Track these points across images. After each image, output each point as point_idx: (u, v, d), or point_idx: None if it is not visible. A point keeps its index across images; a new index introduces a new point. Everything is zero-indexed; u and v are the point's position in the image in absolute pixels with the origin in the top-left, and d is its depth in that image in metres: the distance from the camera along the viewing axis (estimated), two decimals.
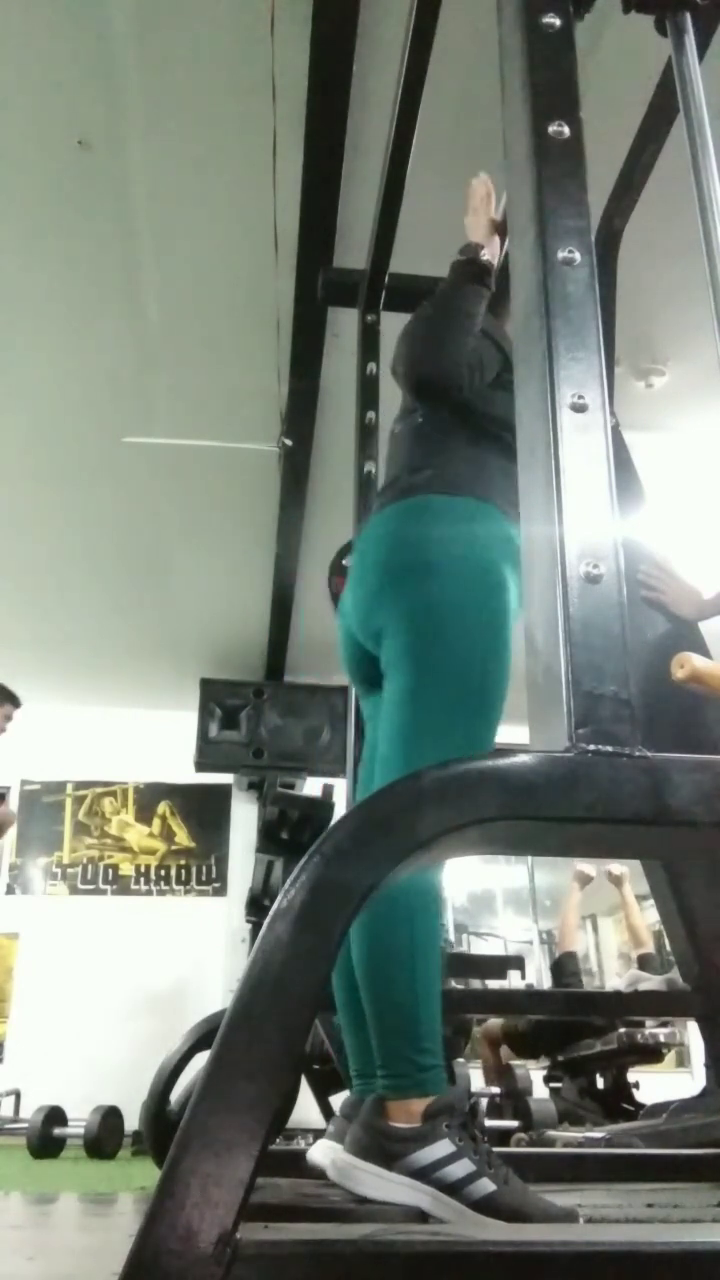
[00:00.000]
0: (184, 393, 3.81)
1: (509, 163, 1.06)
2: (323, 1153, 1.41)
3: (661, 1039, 3.89)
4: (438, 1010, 1.26)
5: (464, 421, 1.62)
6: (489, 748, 1.36)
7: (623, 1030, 3.90)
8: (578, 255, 0.94)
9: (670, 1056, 4.93)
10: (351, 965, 1.37)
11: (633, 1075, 4.26)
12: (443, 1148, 1.14)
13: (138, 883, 6.46)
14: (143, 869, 6.50)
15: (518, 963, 3.42)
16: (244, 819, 6.44)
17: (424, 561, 1.46)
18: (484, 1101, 4.09)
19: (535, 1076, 4.24)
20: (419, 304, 2.68)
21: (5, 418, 3.96)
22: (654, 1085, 4.28)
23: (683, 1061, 5.75)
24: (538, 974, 6.10)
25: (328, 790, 4.90)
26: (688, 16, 1.23)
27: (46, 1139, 3.53)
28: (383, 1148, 1.16)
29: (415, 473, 1.60)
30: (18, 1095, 4.91)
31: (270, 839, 4.73)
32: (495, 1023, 4.60)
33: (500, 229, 1.69)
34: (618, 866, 5.32)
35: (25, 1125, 3.75)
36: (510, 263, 1.03)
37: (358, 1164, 1.17)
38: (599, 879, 5.41)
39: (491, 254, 1.68)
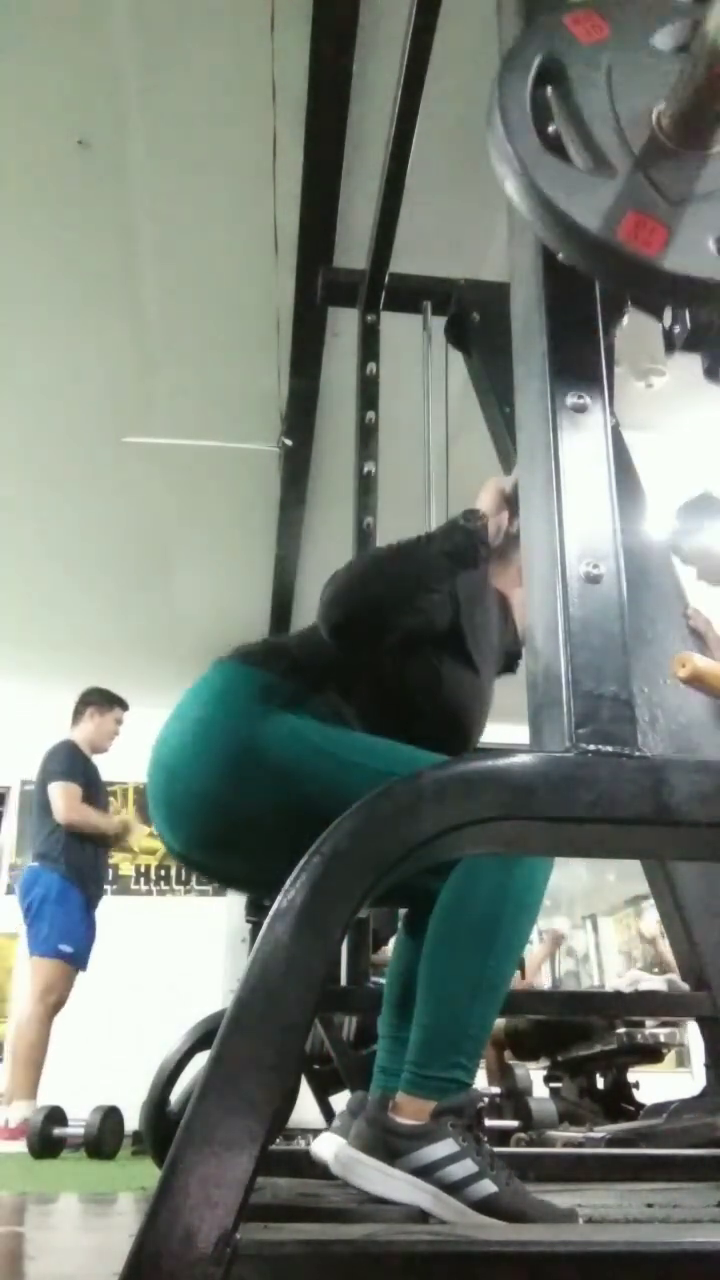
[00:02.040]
0: (184, 393, 3.82)
1: None
2: (326, 1147, 1.41)
3: (661, 1039, 3.89)
4: (489, 1028, 1.25)
5: (355, 668, 1.45)
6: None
7: (623, 1030, 3.90)
8: None
9: (670, 1056, 4.93)
10: (414, 961, 1.35)
11: (633, 1075, 4.26)
12: (446, 1147, 1.14)
13: (138, 883, 6.46)
14: (143, 869, 6.50)
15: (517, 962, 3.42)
16: None
17: (227, 804, 1.32)
18: (484, 1101, 4.09)
19: (535, 1076, 4.24)
20: (419, 304, 2.69)
21: (5, 418, 3.96)
22: (654, 1085, 4.28)
23: (683, 1061, 5.75)
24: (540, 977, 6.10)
25: None
26: None
27: (46, 1139, 3.52)
28: (387, 1144, 1.16)
29: (261, 647, 1.50)
30: None
31: None
32: (499, 1023, 4.60)
33: (509, 500, 1.54)
34: (649, 929, 5.26)
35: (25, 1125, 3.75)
36: (510, 263, 1.03)
37: (361, 1158, 1.17)
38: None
39: (497, 525, 1.52)
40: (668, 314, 0.97)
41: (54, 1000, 4.10)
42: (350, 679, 1.43)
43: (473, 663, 1.50)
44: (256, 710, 1.35)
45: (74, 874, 4.25)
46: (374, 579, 1.46)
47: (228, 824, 1.34)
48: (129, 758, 5.75)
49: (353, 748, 1.32)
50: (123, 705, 4.68)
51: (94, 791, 4.45)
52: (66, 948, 4.13)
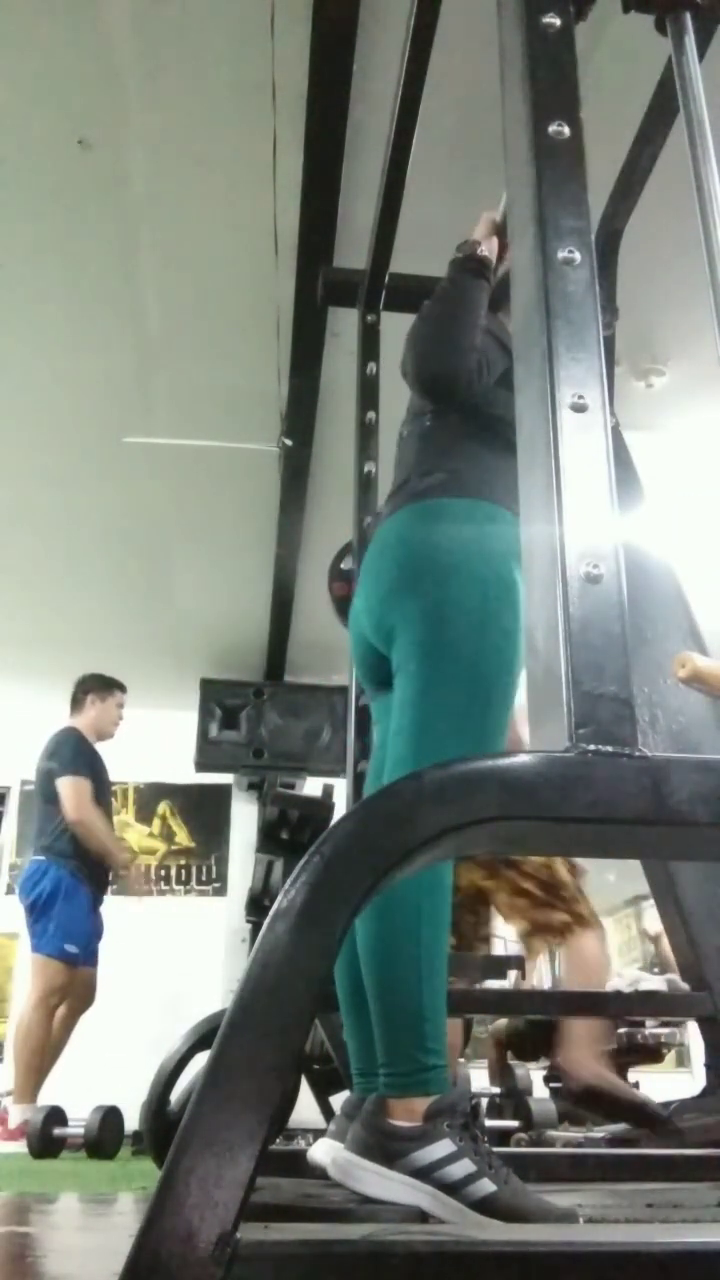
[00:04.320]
0: (184, 393, 3.82)
1: (509, 163, 1.06)
2: (324, 1151, 1.41)
3: (661, 1039, 3.89)
4: (443, 1009, 1.26)
5: (472, 423, 1.62)
6: (498, 746, 1.37)
7: (623, 1030, 3.90)
8: (578, 255, 0.94)
9: (670, 1056, 4.93)
10: (356, 963, 1.37)
11: (633, 1075, 4.26)
12: (443, 1147, 1.14)
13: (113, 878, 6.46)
14: (142, 869, 6.50)
15: (518, 963, 3.42)
16: (244, 819, 6.44)
17: (439, 564, 1.48)
18: (484, 1101, 4.09)
19: (535, 1076, 4.24)
20: (419, 304, 2.69)
21: (5, 418, 3.96)
22: (654, 1085, 4.28)
23: (683, 1061, 5.75)
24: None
25: (328, 790, 4.89)
26: (687, 16, 1.21)
27: (46, 1139, 3.52)
28: (384, 1146, 1.16)
29: (425, 476, 1.61)
30: None
31: (270, 839, 4.73)
32: (502, 1023, 4.60)
33: (499, 228, 1.70)
34: (654, 926, 5.29)
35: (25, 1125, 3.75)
36: (510, 263, 1.03)
37: (358, 1162, 1.17)
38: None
39: (490, 250, 1.68)
40: None
41: (55, 1003, 4.06)
42: (465, 440, 1.60)
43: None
44: (444, 527, 1.53)
45: (83, 869, 4.19)
46: (431, 328, 1.67)
47: (408, 589, 1.49)
48: (129, 758, 5.83)
49: (503, 653, 1.42)
50: (121, 688, 4.63)
51: (100, 784, 4.41)
52: (72, 948, 4.09)
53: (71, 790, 4.22)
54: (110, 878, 4.47)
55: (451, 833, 0.71)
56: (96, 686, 4.61)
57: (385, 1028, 1.24)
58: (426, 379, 1.63)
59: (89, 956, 4.18)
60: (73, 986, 4.13)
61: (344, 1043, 2.99)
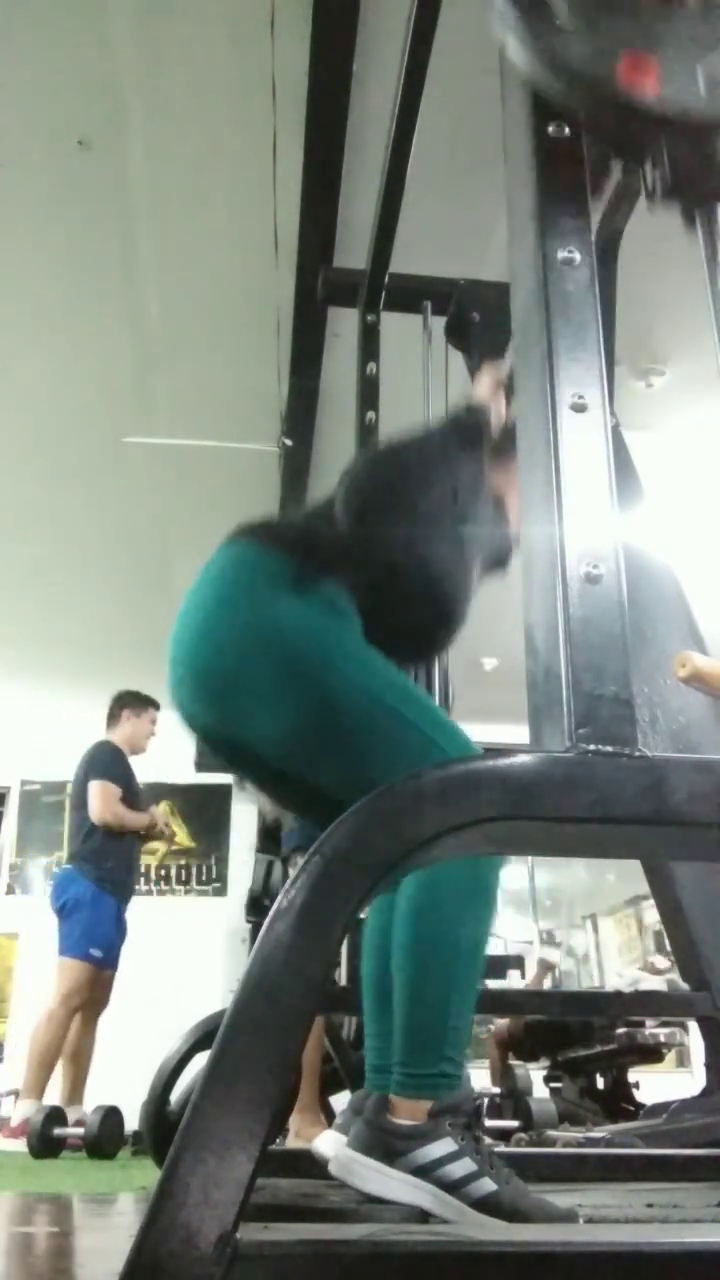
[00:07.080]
0: (184, 393, 3.82)
1: (509, 163, 1.06)
2: (329, 1144, 1.41)
3: (661, 1039, 3.89)
4: (469, 1020, 1.25)
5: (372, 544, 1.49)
6: (449, 737, 1.27)
7: (623, 1030, 3.90)
8: (578, 255, 0.94)
9: (670, 1056, 4.93)
10: (385, 960, 1.35)
11: (633, 1075, 4.26)
12: (444, 1146, 1.14)
13: (138, 882, 6.47)
14: (143, 869, 6.51)
15: (518, 963, 3.42)
16: (244, 819, 6.44)
17: (241, 654, 1.38)
18: (484, 1101, 4.09)
19: (535, 1076, 4.24)
20: (419, 304, 2.69)
21: (5, 418, 3.96)
22: (654, 1085, 4.28)
23: (683, 1061, 5.75)
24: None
25: None
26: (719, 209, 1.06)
27: (46, 1139, 3.52)
28: (385, 1144, 1.16)
29: (269, 526, 1.54)
30: (17, 1095, 4.91)
31: (270, 839, 4.74)
32: (503, 1023, 4.60)
33: (506, 387, 1.62)
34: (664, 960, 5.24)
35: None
36: (510, 263, 1.03)
37: (359, 1159, 1.17)
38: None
39: (497, 412, 1.61)
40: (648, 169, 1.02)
41: (77, 1003, 4.15)
42: (353, 561, 1.47)
43: (465, 555, 1.54)
44: (267, 595, 1.40)
45: (106, 879, 4.33)
46: (390, 467, 1.57)
47: (239, 690, 1.40)
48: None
49: (365, 663, 1.33)
50: (156, 706, 4.74)
51: (131, 794, 4.52)
52: (96, 951, 4.21)
53: (98, 792, 4.37)
54: (139, 877, 4.57)
55: (451, 833, 0.71)
56: (132, 702, 4.71)
57: (407, 1029, 1.23)
58: (355, 512, 1.50)
59: (111, 960, 4.28)
60: (94, 987, 4.21)
61: (344, 1042, 2.99)
